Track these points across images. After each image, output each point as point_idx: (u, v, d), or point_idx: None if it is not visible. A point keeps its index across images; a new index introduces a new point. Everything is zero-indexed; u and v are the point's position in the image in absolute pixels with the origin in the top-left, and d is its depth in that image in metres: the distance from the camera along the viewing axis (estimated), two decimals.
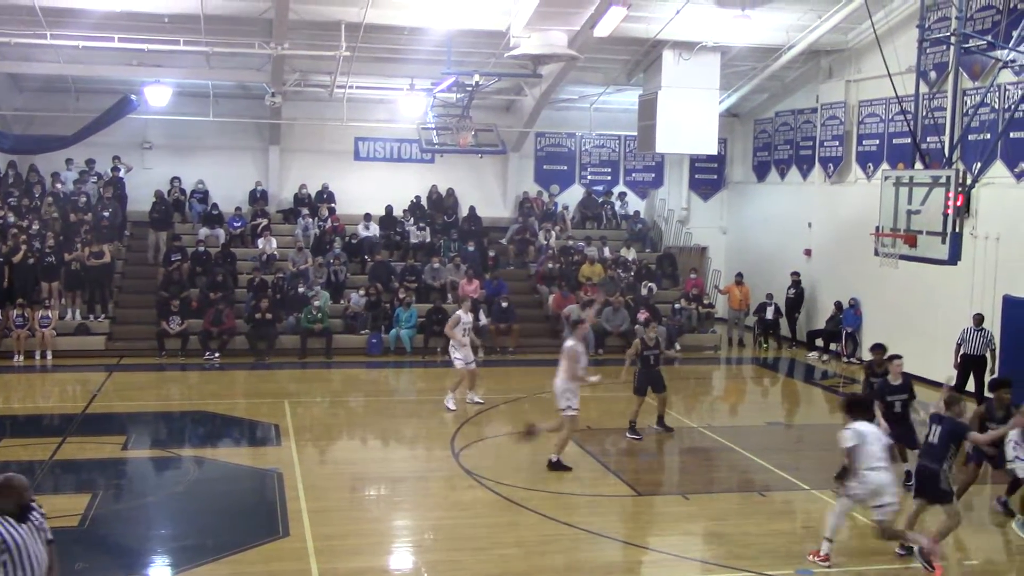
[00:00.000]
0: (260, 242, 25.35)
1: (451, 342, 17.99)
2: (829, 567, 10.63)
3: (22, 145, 24.58)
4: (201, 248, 24.58)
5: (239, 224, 26.10)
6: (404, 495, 13.55)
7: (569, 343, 14.44)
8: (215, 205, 26.33)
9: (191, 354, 22.14)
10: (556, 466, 14.04)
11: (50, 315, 22.04)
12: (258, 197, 26.87)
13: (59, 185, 25.44)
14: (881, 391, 13.37)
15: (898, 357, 13.67)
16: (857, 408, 10.81)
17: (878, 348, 15.13)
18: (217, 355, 22.09)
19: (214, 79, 24.69)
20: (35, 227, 23.38)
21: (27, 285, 22.45)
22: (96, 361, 21.51)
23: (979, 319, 18.10)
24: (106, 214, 24.59)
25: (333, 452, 15.78)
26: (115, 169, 25.75)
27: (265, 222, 26.01)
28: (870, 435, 10.37)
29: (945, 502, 10.72)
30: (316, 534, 11.30)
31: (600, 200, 28.95)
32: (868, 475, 10.24)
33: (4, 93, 25.11)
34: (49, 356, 21.66)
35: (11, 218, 23.78)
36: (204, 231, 25.43)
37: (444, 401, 17.78)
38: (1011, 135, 18.60)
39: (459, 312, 18.08)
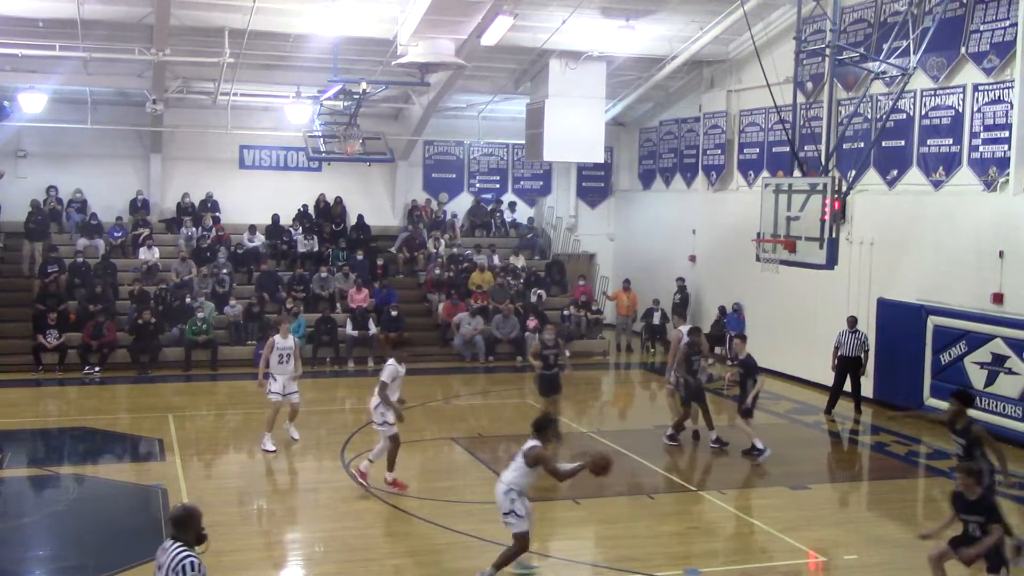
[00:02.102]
0: (142, 252, 24.74)
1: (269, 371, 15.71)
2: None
3: None
4: (79, 259, 23.85)
5: (119, 234, 25.41)
6: (293, 508, 13.37)
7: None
8: (94, 215, 25.60)
9: (70, 368, 21.43)
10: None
11: None
12: (139, 206, 26.21)
13: None
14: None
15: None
16: (398, 345, 14.02)
17: (695, 331, 16.93)
18: (97, 369, 21.44)
19: (92, 85, 24.03)
20: None
21: None
22: None
23: (852, 321, 18.72)
24: None
25: (219, 466, 15.48)
26: None
27: (147, 232, 25.39)
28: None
29: None
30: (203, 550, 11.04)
31: (489, 208, 29.07)
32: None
33: None
34: None
35: None
36: (83, 241, 24.68)
37: (261, 444, 15.59)
38: (883, 144, 19.31)
39: (275, 337, 15.74)
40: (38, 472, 14.63)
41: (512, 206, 29.43)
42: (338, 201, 27.64)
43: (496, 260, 26.87)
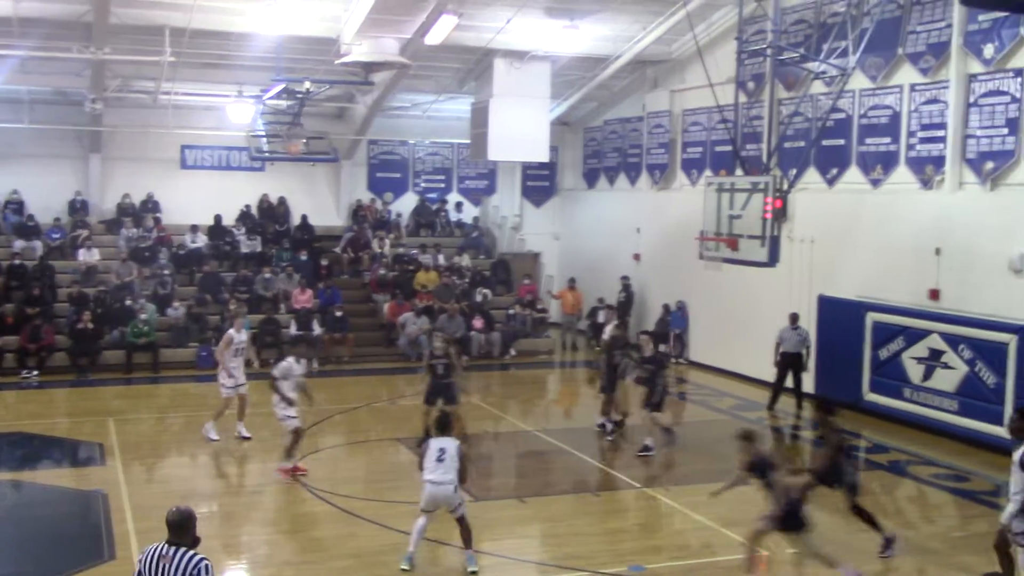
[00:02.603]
0: (81, 254, 24.33)
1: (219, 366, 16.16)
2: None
3: None
4: (16, 261, 23.39)
5: (58, 235, 24.99)
6: (238, 511, 13.23)
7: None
8: (31, 216, 25.14)
9: (7, 372, 20.99)
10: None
11: None
12: (78, 207, 25.80)
13: None
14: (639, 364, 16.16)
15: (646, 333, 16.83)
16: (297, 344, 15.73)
17: (619, 326, 18.28)
18: (35, 372, 21.06)
19: (30, 85, 23.61)
20: None
21: None
22: None
23: (794, 318, 18.96)
24: None
25: (162, 470, 15.30)
26: None
27: (86, 233, 24.97)
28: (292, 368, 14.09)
29: None
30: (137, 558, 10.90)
31: (434, 207, 29.01)
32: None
33: None
34: None
35: None
36: (20, 243, 24.20)
37: (204, 432, 16.14)
38: (823, 143, 19.57)
39: (231, 331, 16.22)
40: None
41: (458, 206, 29.41)
42: (281, 201, 27.44)
43: (441, 260, 26.83)
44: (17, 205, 25.40)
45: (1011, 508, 9.14)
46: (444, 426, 11.04)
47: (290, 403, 14.13)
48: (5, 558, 11.20)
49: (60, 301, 23.04)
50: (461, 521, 10.78)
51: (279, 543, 11.69)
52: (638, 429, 16.41)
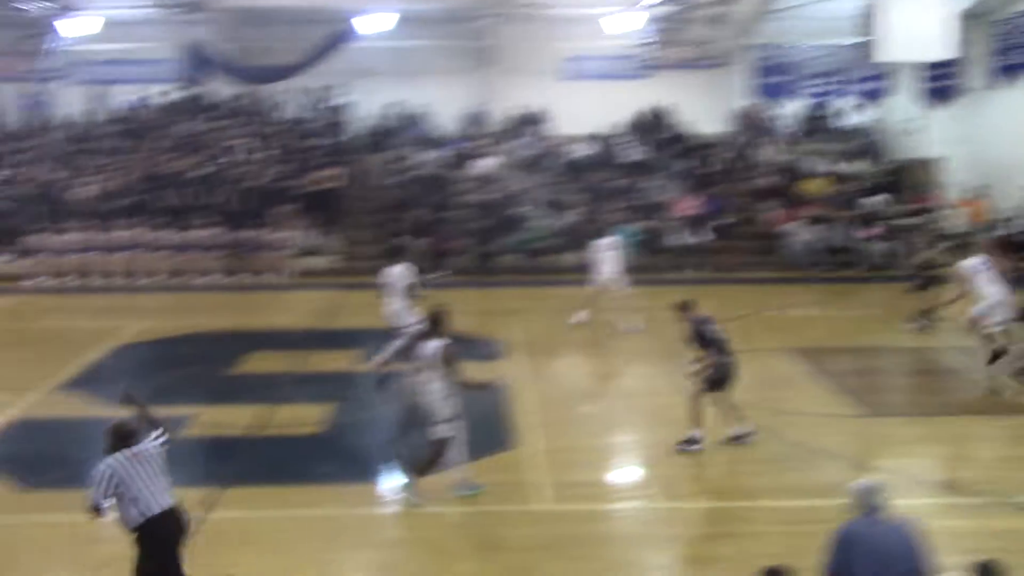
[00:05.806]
0: (476, 163, 25.60)
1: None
2: None
3: (252, 75, 26.24)
4: (423, 171, 25.23)
5: (457, 146, 26.57)
6: (620, 413, 13.49)
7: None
8: (432, 128, 27.20)
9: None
10: None
11: (287, 236, 23.39)
12: (473, 120, 27.46)
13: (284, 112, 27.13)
14: None
15: None
16: None
17: None
18: (447, 273, 22.41)
19: (430, 4, 25.13)
20: (261, 153, 24.83)
21: (260, 208, 23.79)
22: (331, 280, 22.52)
23: None
24: (335, 139, 25.89)
25: (554, 368, 15.96)
26: (332, 97, 27.00)
27: (482, 144, 26.33)
28: None
29: None
30: (539, 447, 11.52)
31: (823, 113, 27.75)
32: None
33: (232, 27, 26.51)
34: (287, 275, 23.04)
35: (240, 144, 25.22)
36: (429, 153, 26.05)
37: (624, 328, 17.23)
38: None
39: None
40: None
41: (850, 110, 27.91)
42: (666, 109, 27.38)
43: (832, 166, 25.66)
44: (420, 118, 27.37)
45: None
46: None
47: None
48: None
49: (458, 209, 24.53)
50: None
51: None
52: None
